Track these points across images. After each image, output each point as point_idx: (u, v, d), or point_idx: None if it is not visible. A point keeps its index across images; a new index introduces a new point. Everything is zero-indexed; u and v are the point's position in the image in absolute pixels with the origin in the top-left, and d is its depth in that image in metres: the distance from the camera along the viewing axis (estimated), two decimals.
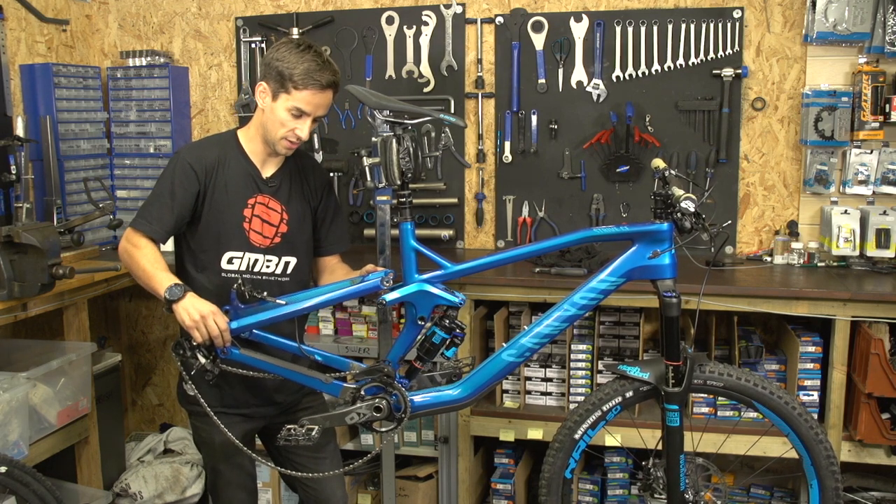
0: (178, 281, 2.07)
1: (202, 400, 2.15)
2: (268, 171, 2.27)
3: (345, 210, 3.50)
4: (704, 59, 3.15)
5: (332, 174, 3.45)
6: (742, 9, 3.12)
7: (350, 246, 2.49)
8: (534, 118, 3.32)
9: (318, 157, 3.47)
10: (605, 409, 2.14)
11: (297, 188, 2.31)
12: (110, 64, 3.76)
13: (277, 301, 2.13)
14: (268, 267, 2.26)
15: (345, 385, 2.17)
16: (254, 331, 2.17)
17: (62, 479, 2.97)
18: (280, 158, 2.29)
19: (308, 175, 2.35)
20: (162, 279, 2.07)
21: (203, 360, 2.10)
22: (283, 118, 2.15)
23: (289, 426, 2.16)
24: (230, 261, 2.22)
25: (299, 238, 2.31)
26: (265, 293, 2.12)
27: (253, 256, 2.24)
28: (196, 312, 2.03)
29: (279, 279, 2.28)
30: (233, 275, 2.21)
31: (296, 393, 2.38)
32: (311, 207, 2.35)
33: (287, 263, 2.28)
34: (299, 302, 2.15)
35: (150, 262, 2.10)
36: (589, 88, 3.26)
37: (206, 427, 2.25)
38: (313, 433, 2.13)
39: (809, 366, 2.81)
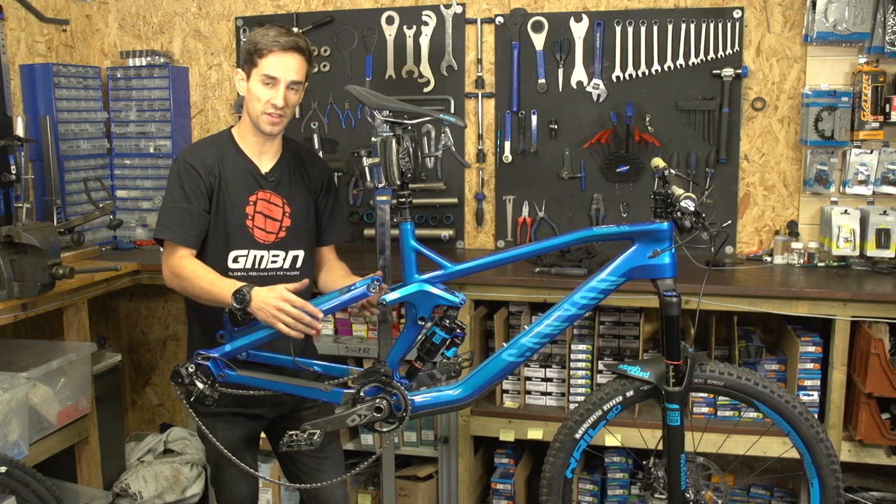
0: (237, 286, 2.04)
1: (206, 400, 2.16)
2: (266, 166, 2.27)
3: (344, 210, 3.49)
4: (704, 59, 3.15)
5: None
6: (742, 9, 3.12)
7: (349, 240, 2.48)
8: (534, 118, 3.32)
9: None
10: (605, 408, 2.14)
11: (298, 179, 2.31)
12: (110, 64, 3.76)
13: None
14: (274, 262, 2.26)
15: (345, 391, 2.17)
16: (250, 350, 2.18)
17: (62, 479, 2.97)
18: (276, 151, 2.28)
19: (306, 164, 2.35)
20: (224, 289, 2.05)
21: (202, 386, 2.12)
22: (258, 92, 2.17)
23: (291, 432, 2.16)
24: (235, 259, 2.23)
25: (304, 230, 2.31)
26: None
27: (258, 253, 2.24)
28: (271, 307, 2.00)
29: (288, 273, 2.27)
30: (239, 273, 2.22)
31: None
32: (313, 197, 2.35)
33: (296, 258, 2.29)
34: None
35: (204, 278, 2.09)
36: (589, 88, 3.26)
37: (210, 424, 2.25)
38: (315, 437, 2.13)
39: (809, 366, 2.81)
